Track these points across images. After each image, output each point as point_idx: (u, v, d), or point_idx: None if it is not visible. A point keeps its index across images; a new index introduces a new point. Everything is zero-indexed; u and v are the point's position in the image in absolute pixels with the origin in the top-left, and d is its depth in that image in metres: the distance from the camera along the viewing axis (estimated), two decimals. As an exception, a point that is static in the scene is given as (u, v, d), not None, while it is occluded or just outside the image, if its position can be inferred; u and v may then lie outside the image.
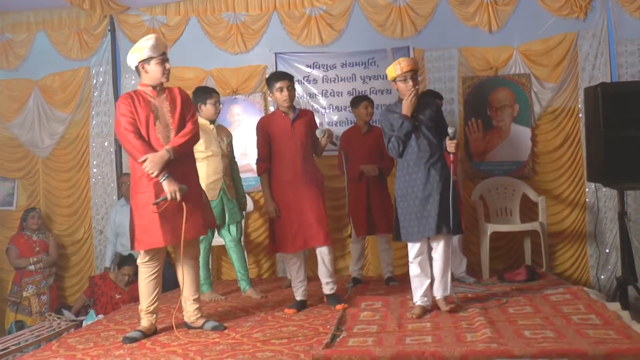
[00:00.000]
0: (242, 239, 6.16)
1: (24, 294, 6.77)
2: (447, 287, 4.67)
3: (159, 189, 4.19)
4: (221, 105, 5.69)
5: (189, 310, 4.53)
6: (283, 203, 4.96)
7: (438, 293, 4.68)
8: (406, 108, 4.60)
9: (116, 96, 7.18)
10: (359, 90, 6.86)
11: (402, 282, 5.94)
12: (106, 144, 7.30)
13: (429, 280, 4.67)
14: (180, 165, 4.29)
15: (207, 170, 5.46)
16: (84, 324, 5.33)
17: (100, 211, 7.30)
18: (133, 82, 7.13)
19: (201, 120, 5.49)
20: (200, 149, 5.40)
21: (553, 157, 6.71)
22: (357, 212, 5.97)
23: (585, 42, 6.63)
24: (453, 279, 5.13)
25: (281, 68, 6.83)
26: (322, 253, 4.97)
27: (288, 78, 5.03)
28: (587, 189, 6.63)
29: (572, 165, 6.66)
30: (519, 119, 6.74)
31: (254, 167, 6.71)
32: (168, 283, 5.34)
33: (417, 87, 4.62)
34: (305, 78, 7.01)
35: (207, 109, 5.53)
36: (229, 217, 5.61)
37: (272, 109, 6.91)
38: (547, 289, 5.22)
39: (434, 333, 4.05)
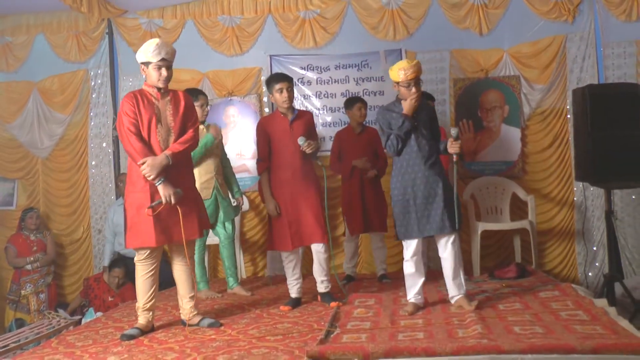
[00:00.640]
0: (237, 237, 6.16)
1: (22, 292, 6.76)
2: (462, 285, 4.63)
3: (154, 191, 4.20)
4: (208, 108, 5.67)
5: (186, 308, 4.52)
6: (281, 201, 4.96)
7: (455, 292, 4.64)
8: (407, 108, 4.59)
9: (114, 98, 7.20)
10: (352, 92, 6.86)
11: (395, 279, 5.95)
12: (104, 144, 7.29)
13: (423, 279, 4.67)
14: (176, 168, 4.29)
15: (199, 170, 5.45)
16: (84, 321, 5.32)
17: (99, 211, 7.29)
18: (130, 84, 7.14)
19: None
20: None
21: (542, 157, 6.73)
22: (352, 211, 5.97)
23: (573, 44, 6.65)
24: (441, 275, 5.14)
25: (276, 70, 6.84)
26: (318, 251, 4.96)
27: (288, 80, 5.02)
28: (575, 188, 6.66)
29: (561, 165, 6.68)
30: (509, 119, 6.75)
31: (250, 167, 6.79)
32: (165, 281, 5.35)
33: (419, 92, 4.59)
34: (300, 80, 7.00)
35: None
36: (223, 214, 5.61)
37: (267, 110, 6.92)
38: (537, 286, 5.24)
39: (426, 329, 4.05)
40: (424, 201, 4.56)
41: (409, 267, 4.66)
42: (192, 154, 5.20)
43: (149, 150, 4.22)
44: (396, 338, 3.85)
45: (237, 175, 6.02)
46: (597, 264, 6.59)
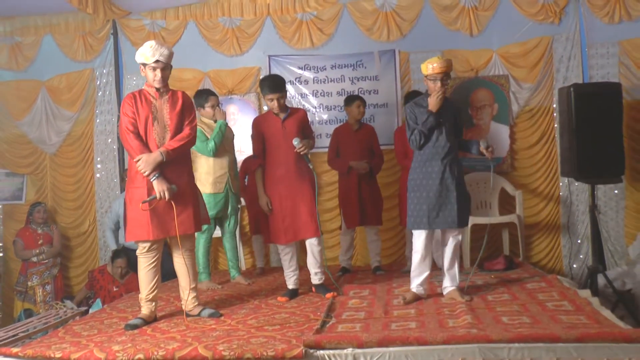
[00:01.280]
0: (237, 230, 6.17)
1: (29, 283, 6.76)
2: (455, 278, 4.67)
3: (151, 186, 4.21)
4: (220, 107, 5.66)
5: (187, 299, 4.52)
6: (276, 197, 4.95)
7: (448, 283, 4.68)
8: (432, 104, 4.58)
9: (119, 96, 7.18)
10: (348, 91, 6.84)
11: (388, 271, 5.98)
12: (109, 140, 7.26)
13: (428, 272, 4.69)
14: (173, 165, 4.29)
15: (214, 165, 5.49)
16: (91, 311, 5.31)
17: (104, 205, 7.27)
18: (134, 82, 7.12)
19: (207, 120, 5.56)
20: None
21: (530, 153, 6.72)
22: (348, 205, 5.97)
23: (560, 45, 6.63)
24: (436, 268, 5.14)
25: (274, 70, 6.81)
26: (312, 244, 4.95)
27: (278, 91, 4.96)
28: (560, 184, 6.65)
29: (547, 161, 6.67)
30: (498, 117, 6.74)
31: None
32: (168, 273, 5.35)
33: (444, 87, 4.58)
34: (297, 79, 6.99)
35: (206, 111, 5.56)
36: (232, 209, 5.62)
37: (265, 108, 6.88)
38: (524, 278, 5.25)
39: (418, 319, 4.06)
40: (437, 195, 4.57)
41: (417, 257, 4.68)
42: (212, 141, 5.26)
43: (146, 148, 4.23)
44: (389, 328, 3.86)
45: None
46: (581, 256, 6.60)
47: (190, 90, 6.74)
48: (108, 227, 6.82)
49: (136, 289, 5.98)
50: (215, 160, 5.49)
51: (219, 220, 5.67)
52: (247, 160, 6.18)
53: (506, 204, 6.58)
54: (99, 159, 7.30)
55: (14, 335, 4.33)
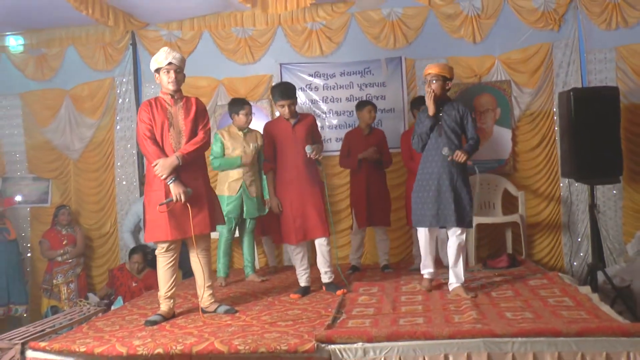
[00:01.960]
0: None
1: (54, 282, 6.79)
2: (460, 275, 4.67)
3: (168, 189, 4.23)
4: (252, 116, 5.70)
5: (204, 296, 4.54)
6: (287, 199, 4.95)
7: (453, 279, 4.69)
8: (428, 107, 4.67)
9: (138, 103, 7.19)
10: (357, 97, 6.83)
11: (396, 269, 5.97)
12: (129, 146, 7.29)
13: (433, 255, 4.82)
14: (189, 168, 4.31)
15: (231, 170, 5.49)
16: (112, 308, 5.34)
17: (124, 207, 7.29)
18: (152, 90, 7.14)
19: (234, 131, 5.64)
20: (228, 152, 5.59)
21: (531, 155, 6.69)
22: (359, 205, 5.97)
23: (559, 51, 6.61)
24: (442, 266, 5.14)
25: (285, 77, 6.82)
26: (321, 244, 4.96)
27: (289, 97, 4.97)
28: (561, 184, 6.62)
29: (548, 163, 6.64)
30: (500, 121, 6.71)
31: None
32: (188, 271, 5.37)
33: (433, 90, 4.62)
34: (308, 86, 6.99)
35: (239, 118, 5.59)
36: (246, 212, 5.62)
37: (277, 114, 6.89)
38: (526, 275, 5.23)
39: (425, 315, 4.05)
40: (436, 194, 4.62)
41: (422, 248, 4.81)
42: (218, 162, 5.34)
43: (162, 152, 4.25)
44: (397, 323, 3.86)
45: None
46: (581, 254, 6.56)
47: (206, 97, 6.84)
48: (127, 229, 6.86)
49: (154, 283, 6.12)
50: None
51: (237, 219, 5.67)
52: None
53: (509, 204, 6.55)
54: (119, 163, 7.33)
55: (41, 331, 4.37)
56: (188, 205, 4.25)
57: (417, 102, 5.93)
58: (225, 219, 5.45)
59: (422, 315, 4.05)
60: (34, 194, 7.48)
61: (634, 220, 6.44)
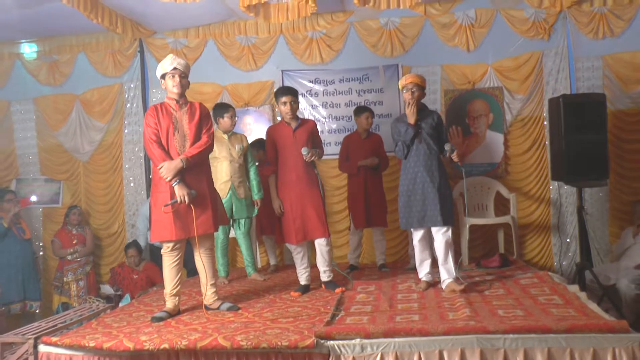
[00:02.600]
0: (253, 231, 6.16)
1: (65, 279, 6.80)
2: (451, 271, 4.71)
3: (173, 191, 4.24)
4: (236, 118, 5.68)
5: (207, 294, 4.53)
6: (287, 201, 4.95)
7: (445, 276, 4.73)
8: (409, 116, 4.74)
9: (145, 108, 7.20)
10: (355, 102, 6.84)
11: (393, 268, 5.96)
12: (137, 149, 7.29)
13: (429, 260, 4.83)
14: (193, 170, 4.31)
15: (218, 172, 5.48)
16: (120, 305, 5.34)
17: (132, 208, 7.29)
18: (159, 96, 7.15)
19: (218, 134, 5.56)
20: (214, 155, 5.44)
21: (522, 159, 6.69)
22: (356, 207, 5.96)
23: (549, 59, 6.62)
24: (437, 265, 5.14)
25: (287, 83, 6.82)
26: (321, 244, 4.96)
27: (291, 93, 5.02)
28: (551, 187, 6.62)
29: (539, 166, 6.64)
30: (493, 126, 6.72)
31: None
32: (192, 269, 5.37)
33: (415, 98, 4.71)
34: (308, 92, 6.99)
35: (224, 121, 5.55)
36: (236, 213, 5.60)
37: (279, 118, 6.90)
38: (518, 274, 5.22)
39: (421, 312, 4.05)
40: (422, 197, 4.69)
41: (417, 250, 4.83)
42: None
43: (167, 156, 4.25)
44: (394, 320, 3.85)
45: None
46: (570, 254, 6.56)
47: (210, 102, 6.82)
48: (142, 233, 6.84)
49: (152, 273, 6.34)
50: (220, 168, 5.49)
51: (230, 223, 5.66)
52: (259, 167, 6.18)
53: (501, 206, 6.55)
54: (127, 166, 7.33)
55: (53, 326, 4.38)
56: (192, 206, 4.25)
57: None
58: None
59: (418, 312, 4.05)
60: (46, 194, 7.49)
61: (620, 221, 6.45)
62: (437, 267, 5.05)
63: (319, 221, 4.90)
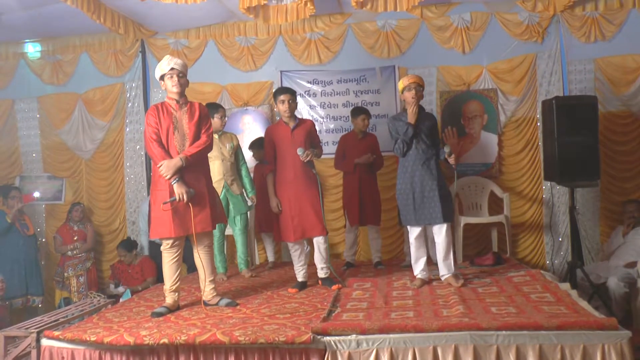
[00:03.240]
0: (251, 228, 6.16)
1: (65, 274, 6.80)
2: (450, 267, 4.76)
3: (172, 189, 4.23)
4: (226, 119, 5.68)
5: (206, 290, 4.53)
6: (286, 199, 4.94)
7: (444, 271, 4.78)
8: (410, 116, 4.74)
9: (146, 107, 7.18)
10: (352, 103, 6.84)
11: (388, 266, 5.96)
12: (138, 147, 7.28)
13: (425, 257, 4.82)
14: (192, 169, 4.31)
15: (211, 172, 5.47)
16: (121, 300, 5.34)
17: (133, 205, 7.29)
18: (160, 95, 7.13)
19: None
20: None
21: (516, 159, 6.70)
22: (351, 205, 5.96)
23: (543, 62, 6.63)
24: (432, 263, 5.15)
25: (285, 84, 6.83)
26: (319, 242, 4.95)
27: (290, 92, 5.02)
28: (543, 187, 6.63)
29: (532, 167, 6.65)
30: (487, 127, 6.72)
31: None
32: (191, 266, 5.36)
33: (417, 98, 4.74)
34: (306, 92, 6.99)
35: (214, 122, 5.52)
36: (233, 209, 5.59)
37: (277, 118, 6.89)
38: (510, 272, 5.23)
39: (415, 309, 4.05)
40: (420, 195, 4.71)
41: (413, 247, 4.83)
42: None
43: (167, 154, 4.25)
44: (389, 316, 3.86)
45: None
46: (562, 253, 6.57)
47: (210, 102, 6.80)
48: (144, 232, 6.82)
49: (147, 267, 6.40)
50: (212, 167, 5.45)
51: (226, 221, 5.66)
52: (259, 166, 6.18)
53: (495, 205, 6.56)
54: (128, 164, 7.32)
55: (55, 321, 4.38)
56: (190, 204, 4.24)
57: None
58: None
59: (413, 309, 4.05)
60: (49, 191, 7.48)
61: (610, 221, 6.47)
62: (432, 264, 5.07)
63: (316, 219, 4.89)
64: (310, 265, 5.19)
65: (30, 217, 6.99)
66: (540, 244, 6.64)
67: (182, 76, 4.35)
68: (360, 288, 4.87)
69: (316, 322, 3.72)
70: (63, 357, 3.85)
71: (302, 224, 4.91)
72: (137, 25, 6.85)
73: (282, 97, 4.97)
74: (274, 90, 5.59)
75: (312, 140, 5.08)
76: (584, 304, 3.94)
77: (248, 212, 5.80)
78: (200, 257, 4.45)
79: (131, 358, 3.75)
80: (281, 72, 7.01)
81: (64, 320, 4.46)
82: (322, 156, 5.39)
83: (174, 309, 4.41)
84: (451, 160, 4.80)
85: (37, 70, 7.50)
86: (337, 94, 6.99)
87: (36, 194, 7.34)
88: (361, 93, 6.94)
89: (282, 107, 4.98)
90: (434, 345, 3.47)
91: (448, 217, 4.72)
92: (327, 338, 3.54)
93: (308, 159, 4.88)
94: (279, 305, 4.43)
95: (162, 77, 4.36)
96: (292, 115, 5.03)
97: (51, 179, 7.49)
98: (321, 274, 5.04)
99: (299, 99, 6.39)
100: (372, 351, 3.50)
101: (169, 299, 4.42)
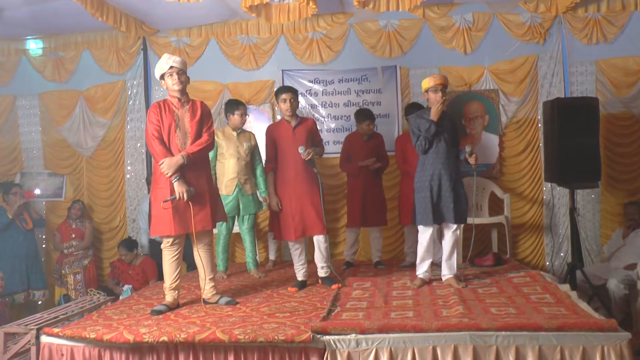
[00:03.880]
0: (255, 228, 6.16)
1: (63, 272, 6.80)
2: (453, 267, 4.79)
3: (173, 187, 4.22)
4: (247, 116, 5.66)
5: (206, 288, 4.53)
6: (286, 198, 4.94)
7: (446, 271, 4.81)
8: (434, 114, 4.74)
9: (147, 105, 7.18)
10: (354, 102, 6.84)
11: (388, 266, 5.96)
12: (139, 145, 7.27)
13: (430, 260, 4.83)
14: (193, 167, 4.30)
15: (225, 169, 5.48)
16: (121, 298, 5.34)
17: (133, 203, 7.28)
18: (161, 93, 7.13)
19: (228, 131, 5.58)
20: (221, 151, 5.51)
21: (517, 160, 6.69)
22: (353, 206, 5.95)
23: (544, 63, 6.62)
24: (433, 263, 5.15)
25: (287, 83, 6.81)
26: (319, 241, 4.95)
27: (291, 91, 5.02)
28: (544, 188, 6.62)
29: (532, 168, 6.64)
30: (488, 127, 6.72)
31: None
32: (191, 264, 5.36)
33: (444, 98, 4.74)
34: (308, 91, 6.98)
35: (234, 118, 5.54)
36: (243, 209, 5.58)
37: (279, 117, 6.89)
38: (510, 273, 5.23)
39: (415, 309, 4.05)
40: (438, 194, 4.72)
41: (422, 248, 4.81)
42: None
43: (168, 152, 4.24)
44: (389, 316, 3.86)
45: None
46: (561, 254, 6.56)
47: (211, 100, 6.84)
48: (144, 231, 6.78)
49: (148, 268, 6.36)
50: (227, 165, 5.49)
51: (234, 218, 5.64)
52: None
53: (495, 206, 6.55)
54: (129, 161, 7.31)
55: (55, 318, 4.39)
56: (190, 203, 4.24)
57: (411, 108, 5.92)
58: None
59: (412, 309, 4.05)
60: (50, 188, 7.48)
61: (611, 222, 6.46)
62: (434, 265, 5.07)
63: (317, 218, 4.89)
64: (311, 264, 5.18)
65: (32, 213, 6.96)
66: (540, 245, 6.64)
67: (181, 73, 4.34)
68: (360, 288, 4.87)
69: (316, 321, 3.72)
70: (62, 354, 3.85)
71: (302, 222, 4.90)
72: (139, 23, 6.84)
73: (283, 95, 4.97)
74: (275, 89, 5.58)
75: (313, 138, 5.08)
76: (583, 305, 3.93)
77: (257, 212, 5.77)
78: (200, 255, 4.45)
79: (130, 356, 3.75)
80: (283, 71, 7.00)
81: (63, 318, 4.47)
82: (323, 155, 5.38)
83: (174, 307, 4.41)
84: (471, 160, 4.81)
85: (39, 67, 7.49)
86: (338, 94, 6.98)
87: (37, 191, 7.34)
88: (362, 93, 6.93)
89: (283, 106, 4.98)
90: (433, 345, 3.46)
91: (461, 218, 4.75)
92: (327, 337, 3.54)
93: (309, 157, 4.88)
94: (278, 304, 4.43)
95: (162, 77, 4.35)
96: (294, 114, 5.03)
97: (52, 176, 7.49)
98: (321, 273, 5.04)
99: (300, 98, 6.40)
100: (372, 351, 3.49)
101: (169, 297, 4.42)
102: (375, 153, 5.93)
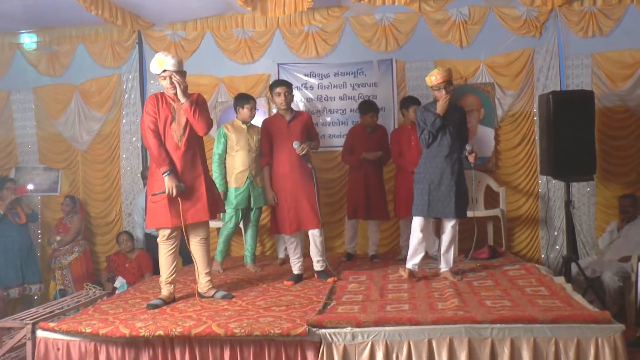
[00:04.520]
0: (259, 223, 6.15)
1: (51, 266, 6.80)
2: (449, 261, 4.82)
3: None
4: (256, 110, 5.66)
5: (202, 282, 4.53)
6: (282, 192, 4.95)
7: (443, 265, 4.83)
8: (440, 108, 4.74)
9: (143, 99, 7.14)
10: (349, 96, 6.83)
11: (384, 259, 5.96)
12: (134, 139, 7.24)
13: (423, 254, 4.83)
14: (189, 157, 4.31)
15: (236, 162, 5.49)
16: (117, 292, 5.34)
17: (129, 197, 7.25)
18: (157, 87, 7.07)
19: (238, 124, 5.59)
20: (231, 144, 5.51)
21: (512, 154, 6.69)
22: (354, 199, 5.94)
23: (540, 56, 6.61)
24: (428, 256, 5.17)
25: (282, 77, 6.80)
26: (314, 235, 4.96)
27: (286, 85, 5.03)
28: (539, 181, 6.62)
29: (528, 161, 6.65)
30: (484, 121, 6.71)
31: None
32: (187, 258, 5.35)
33: (449, 93, 4.72)
34: (303, 85, 6.97)
35: (244, 112, 5.54)
36: (254, 201, 5.56)
37: (274, 111, 6.87)
38: (506, 265, 5.25)
39: (411, 302, 4.06)
40: (437, 188, 4.72)
41: (415, 240, 4.82)
42: (216, 155, 5.32)
43: (162, 145, 4.26)
44: (384, 309, 3.86)
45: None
46: (557, 247, 6.57)
47: (207, 94, 6.82)
48: (139, 226, 6.75)
49: (144, 262, 6.31)
50: (238, 158, 5.49)
51: (244, 211, 5.62)
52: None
53: (491, 199, 6.56)
54: (124, 156, 7.28)
55: (50, 312, 4.37)
56: (179, 199, 4.23)
57: (407, 102, 5.92)
58: (234, 210, 5.44)
59: (408, 302, 4.06)
60: (45, 183, 7.47)
61: (605, 215, 6.47)
62: (427, 258, 5.08)
63: (312, 212, 4.89)
64: (306, 258, 5.19)
65: (24, 208, 6.91)
66: (536, 238, 6.65)
67: (176, 73, 4.25)
68: (355, 281, 4.88)
69: (311, 315, 3.73)
70: (58, 349, 3.85)
71: (297, 216, 4.91)
72: (134, 17, 6.80)
73: (278, 89, 4.97)
74: (270, 83, 5.58)
75: (309, 132, 5.08)
76: (578, 297, 3.96)
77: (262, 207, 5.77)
78: (195, 249, 4.45)
79: (126, 350, 3.76)
80: (278, 64, 6.98)
81: (59, 312, 4.45)
82: (320, 149, 5.38)
83: (170, 301, 4.41)
84: (470, 159, 4.83)
85: (33, 61, 7.45)
86: (334, 87, 6.96)
87: (30, 186, 7.29)
88: (358, 86, 6.92)
89: (278, 100, 4.98)
90: (428, 338, 3.48)
91: (460, 213, 4.75)
92: (323, 331, 3.55)
93: (304, 152, 4.87)
94: (274, 297, 4.44)
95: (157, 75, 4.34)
96: (289, 108, 5.02)
97: (47, 170, 7.47)
98: (317, 267, 5.05)
99: (295, 91, 6.39)
100: (368, 344, 3.51)
101: (165, 291, 4.42)
102: (378, 146, 5.93)
